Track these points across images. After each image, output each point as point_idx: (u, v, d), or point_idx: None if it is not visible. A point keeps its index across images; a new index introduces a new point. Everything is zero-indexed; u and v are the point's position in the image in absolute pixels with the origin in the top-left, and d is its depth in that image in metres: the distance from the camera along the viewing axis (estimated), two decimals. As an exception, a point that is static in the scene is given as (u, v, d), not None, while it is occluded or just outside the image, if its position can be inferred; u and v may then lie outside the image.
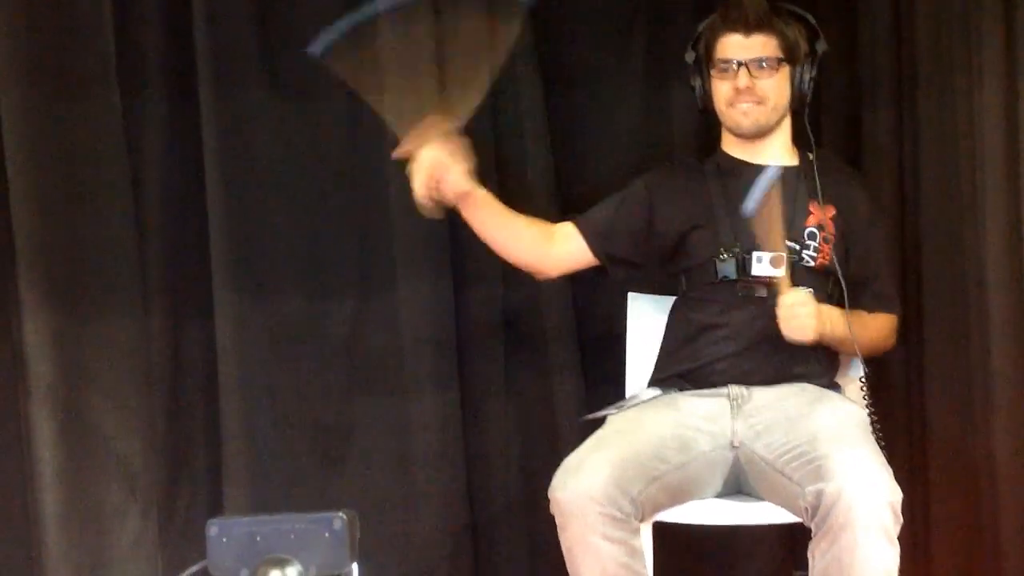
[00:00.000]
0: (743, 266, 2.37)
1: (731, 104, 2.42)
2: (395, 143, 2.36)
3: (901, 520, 2.03)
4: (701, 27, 2.49)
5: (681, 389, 2.39)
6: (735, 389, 2.33)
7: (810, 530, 2.07)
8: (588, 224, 2.50)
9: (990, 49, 2.36)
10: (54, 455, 2.47)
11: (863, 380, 2.37)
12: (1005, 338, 2.39)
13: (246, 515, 1.59)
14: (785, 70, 2.41)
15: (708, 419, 2.31)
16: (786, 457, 2.18)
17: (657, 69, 2.82)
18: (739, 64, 2.38)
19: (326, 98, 2.68)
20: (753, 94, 2.39)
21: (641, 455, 2.19)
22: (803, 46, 2.43)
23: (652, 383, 2.46)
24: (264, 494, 2.62)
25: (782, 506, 2.21)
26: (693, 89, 2.50)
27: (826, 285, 2.39)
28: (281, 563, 1.51)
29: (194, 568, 1.52)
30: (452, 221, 2.64)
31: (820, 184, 2.39)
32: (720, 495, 2.31)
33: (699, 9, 2.72)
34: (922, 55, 2.57)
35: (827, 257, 2.38)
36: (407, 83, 2.45)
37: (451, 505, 2.71)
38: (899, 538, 2.03)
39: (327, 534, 1.54)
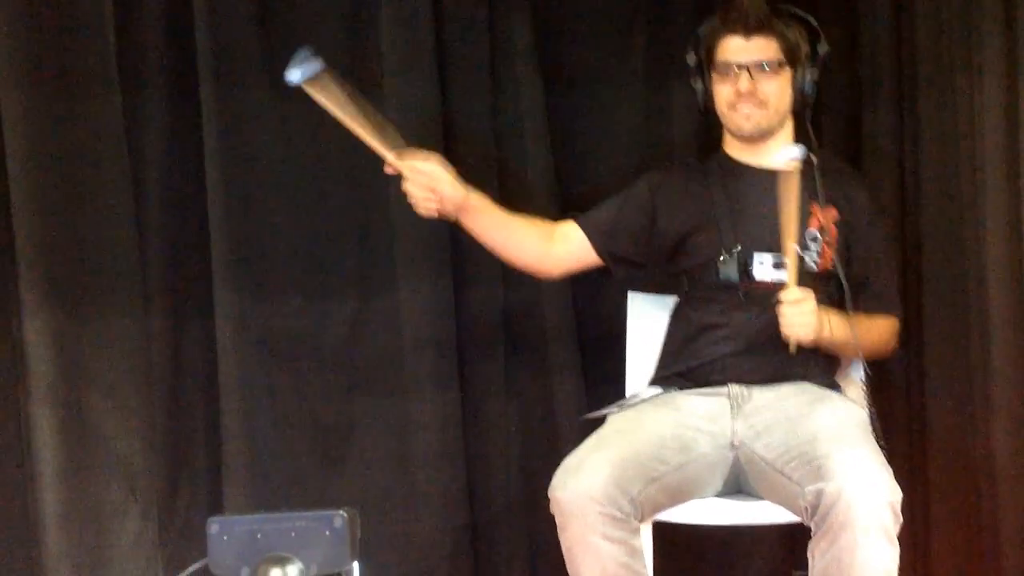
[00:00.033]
0: (744, 268, 2.37)
1: (732, 107, 2.42)
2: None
3: (901, 520, 2.04)
4: (701, 29, 2.49)
5: (681, 388, 2.39)
6: (735, 389, 2.33)
7: (810, 530, 2.07)
8: (591, 223, 2.50)
9: (990, 49, 2.36)
10: (54, 455, 2.47)
11: (864, 381, 2.37)
12: (1005, 338, 2.38)
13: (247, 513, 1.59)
14: (786, 72, 2.41)
15: (708, 419, 2.31)
16: (786, 457, 2.18)
17: (657, 69, 2.82)
18: (740, 67, 2.38)
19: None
20: (754, 97, 2.39)
21: (641, 455, 2.19)
22: (804, 48, 2.43)
23: (653, 382, 2.47)
24: (264, 494, 2.63)
25: (782, 506, 2.21)
26: (695, 91, 2.50)
27: (828, 288, 2.39)
28: (282, 561, 1.51)
29: (195, 566, 1.52)
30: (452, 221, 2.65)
31: (822, 186, 2.39)
32: (720, 495, 2.32)
33: (699, 9, 2.72)
34: (922, 55, 2.57)
35: (829, 260, 2.38)
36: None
37: (451, 505, 2.71)
38: (899, 538, 2.03)
39: (328, 532, 1.55)
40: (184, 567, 1.65)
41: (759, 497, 2.29)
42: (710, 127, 2.57)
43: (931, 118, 2.57)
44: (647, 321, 2.62)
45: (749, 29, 2.38)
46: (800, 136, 2.48)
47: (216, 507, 2.65)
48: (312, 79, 2.23)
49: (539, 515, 2.60)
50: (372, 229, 2.72)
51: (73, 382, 2.51)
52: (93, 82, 2.51)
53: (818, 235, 2.38)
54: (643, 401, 2.40)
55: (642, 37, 2.83)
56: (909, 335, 2.56)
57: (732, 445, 2.29)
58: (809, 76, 2.44)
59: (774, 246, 2.33)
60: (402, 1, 2.64)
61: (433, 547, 2.70)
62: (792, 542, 2.66)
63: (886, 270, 2.48)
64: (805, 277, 2.35)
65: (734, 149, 2.50)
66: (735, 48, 2.39)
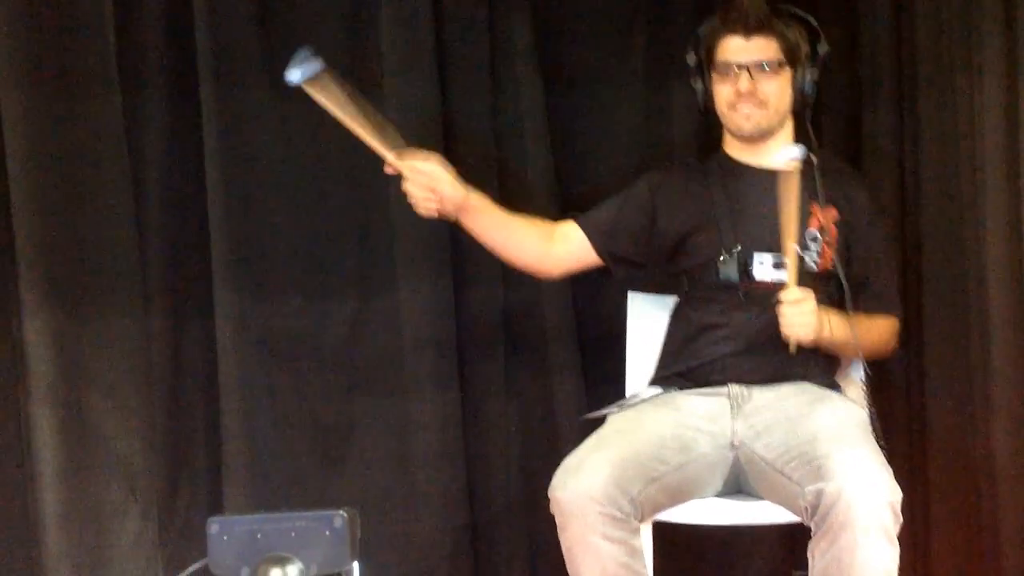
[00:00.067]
0: (744, 268, 2.37)
1: (732, 107, 2.41)
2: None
3: (901, 520, 2.04)
4: (701, 29, 2.49)
5: (681, 388, 2.39)
6: (735, 388, 2.33)
7: (810, 530, 2.07)
8: (591, 223, 2.50)
9: (990, 49, 2.36)
10: (54, 455, 2.47)
11: (864, 381, 2.37)
12: (1005, 338, 2.38)
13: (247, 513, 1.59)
14: (786, 72, 2.41)
15: (708, 419, 2.31)
16: (786, 457, 2.18)
17: (657, 69, 2.82)
18: (740, 67, 2.38)
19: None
20: (754, 97, 2.39)
21: (641, 455, 2.19)
22: (804, 48, 2.43)
23: (653, 382, 2.47)
24: (264, 494, 2.62)
25: (782, 506, 2.21)
26: (695, 91, 2.50)
27: (828, 288, 2.39)
28: (282, 561, 1.51)
29: (195, 566, 1.52)
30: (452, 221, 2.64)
31: (822, 186, 2.39)
32: (720, 495, 2.32)
33: (699, 9, 2.72)
34: (922, 55, 2.57)
35: (829, 261, 2.38)
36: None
37: (451, 505, 2.71)
38: (899, 538, 2.03)
39: (328, 532, 1.55)
40: (184, 567, 1.65)
41: (759, 497, 2.29)
42: (710, 127, 2.57)
43: (931, 118, 2.57)
44: (647, 321, 2.62)
45: (749, 29, 2.38)
46: (800, 136, 2.48)
47: (216, 507, 2.65)
48: (312, 79, 2.22)
49: (539, 515, 2.60)
50: (372, 229, 2.72)
51: (73, 382, 2.51)
52: (93, 82, 2.51)
53: (818, 235, 2.38)
54: (643, 401, 2.40)
55: (642, 37, 2.83)
56: (909, 335, 2.56)
57: (732, 445, 2.29)
58: (809, 76, 2.43)
59: (774, 246, 2.33)
60: (402, 1, 2.64)
61: (433, 547, 2.70)
62: (792, 542, 2.66)
63: (886, 270, 2.48)
64: (805, 277, 2.35)
65: (734, 149, 2.50)
66: (735, 48, 2.39)
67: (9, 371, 2.51)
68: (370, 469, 2.72)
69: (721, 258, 2.39)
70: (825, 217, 2.39)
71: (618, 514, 2.09)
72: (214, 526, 1.54)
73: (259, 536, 1.54)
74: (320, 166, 2.71)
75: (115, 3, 2.53)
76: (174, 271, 2.65)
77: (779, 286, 2.30)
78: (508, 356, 2.79)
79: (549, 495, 2.14)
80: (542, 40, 2.76)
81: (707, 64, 2.46)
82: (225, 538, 1.53)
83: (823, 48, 2.45)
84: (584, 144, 2.82)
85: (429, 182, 2.33)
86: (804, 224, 2.36)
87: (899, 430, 2.62)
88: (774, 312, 2.27)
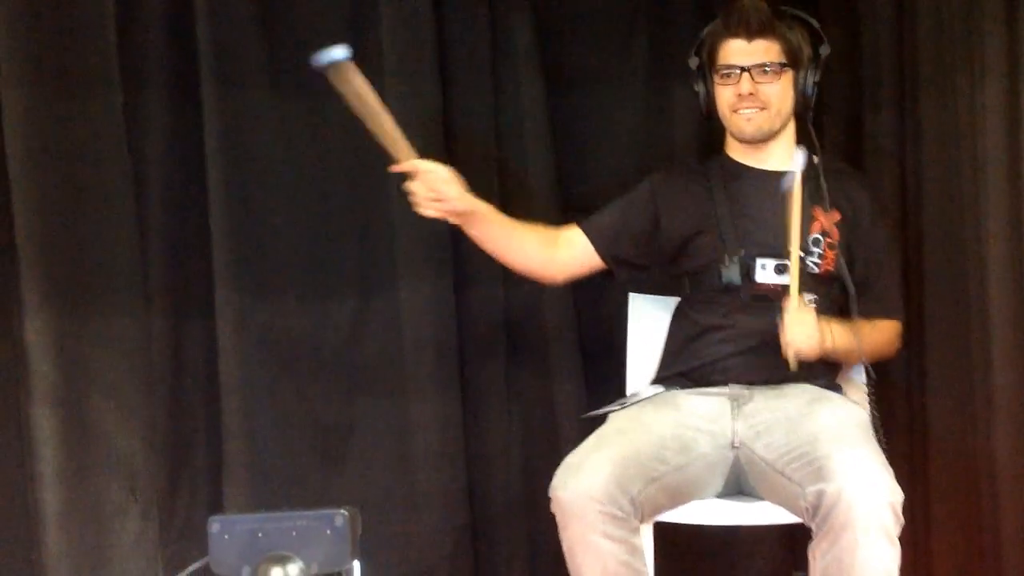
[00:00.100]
0: (747, 272, 2.37)
1: (734, 110, 2.41)
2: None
3: (902, 520, 2.03)
4: (704, 32, 2.49)
5: (682, 387, 2.39)
6: (736, 389, 2.34)
7: (810, 530, 2.07)
8: (594, 227, 2.51)
9: (991, 50, 2.36)
10: (55, 454, 2.47)
11: (869, 386, 2.36)
12: (1006, 339, 2.39)
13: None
14: (788, 75, 2.40)
15: (709, 419, 2.31)
16: (787, 457, 2.18)
17: (658, 71, 2.82)
18: (742, 70, 2.38)
19: (327, 98, 2.66)
20: (756, 100, 2.39)
21: (641, 455, 2.19)
22: (806, 50, 2.43)
23: (654, 382, 2.46)
24: (264, 494, 2.62)
25: (782, 506, 2.21)
26: (697, 94, 2.50)
27: (831, 291, 2.39)
28: (283, 560, 1.51)
29: (196, 565, 1.52)
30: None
31: (825, 189, 2.39)
32: (720, 495, 2.32)
33: (700, 9, 2.73)
34: (923, 56, 2.57)
35: (832, 263, 2.38)
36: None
37: (451, 505, 2.71)
38: (900, 538, 2.03)
39: (329, 531, 1.55)
40: (184, 567, 1.64)
41: (760, 498, 2.29)
42: (712, 131, 2.57)
43: (932, 118, 2.57)
44: (648, 322, 2.63)
45: (751, 31, 2.38)
46: (802, 138, 2.48)
47: (216, 507, 2.64)
48: (338, 67, 2.21)
49: (539, 515, 2.60)
50: (373, 229, 2.72)
51: (74, 382, 2.50)
52: (94, 82, 2.51)
53: (820, 238, 2.38)
54: (644, 399, 2.40)
55: (643, 39, 2.84)
56: (910, 335, 2.55)
57: (732, 445, 2.29)
58: (811, 78, 2.43)
59: (776, 250, 2.34)
60: (402, 1, 2.64)
61: (433, 547, 2.70)
62: (792, 542, 2.67)
63: (888, 272, 2.48)
64: (807, 279, 2.35)
65: (736, 152, 2.50)
66: (737, 50, 2.39)
67: (10, 371, 2.51)
68: (370, 469, 2.73)
69: (724, 262, 2.38)
70: (828, 220, 2.39)
71: (619, 513, 2.09)
72: (215, 525, 1.54)
73: (260, 535, 1.54)
74: (321, 166, 2.71)
75: (116, 3, 2.53)
76: (175, 271, 2.65)
77: (781, 289, 2.30)
78: (509, 356, 2.80)
79: (550, 494, 2.14)
80: (543, 40, 2.77)
81: (709, 67, 2.46)
82: (226, 537, 1.54)
83: (825, 50, 2.45)
84: (585, 144, 2.83)
85: (436, 183, 2.33)
86: (807, 228, 2.36)
87: (900, 430, 2.62)
88: (777, 315, 2.28)
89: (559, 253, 2.51)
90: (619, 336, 2.67)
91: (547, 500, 2.16)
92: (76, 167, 2.51)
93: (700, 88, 2.49)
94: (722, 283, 2.39)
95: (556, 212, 2.74)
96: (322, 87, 2.66)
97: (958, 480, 2.52)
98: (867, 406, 2.34)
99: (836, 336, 2.30)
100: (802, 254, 2.35)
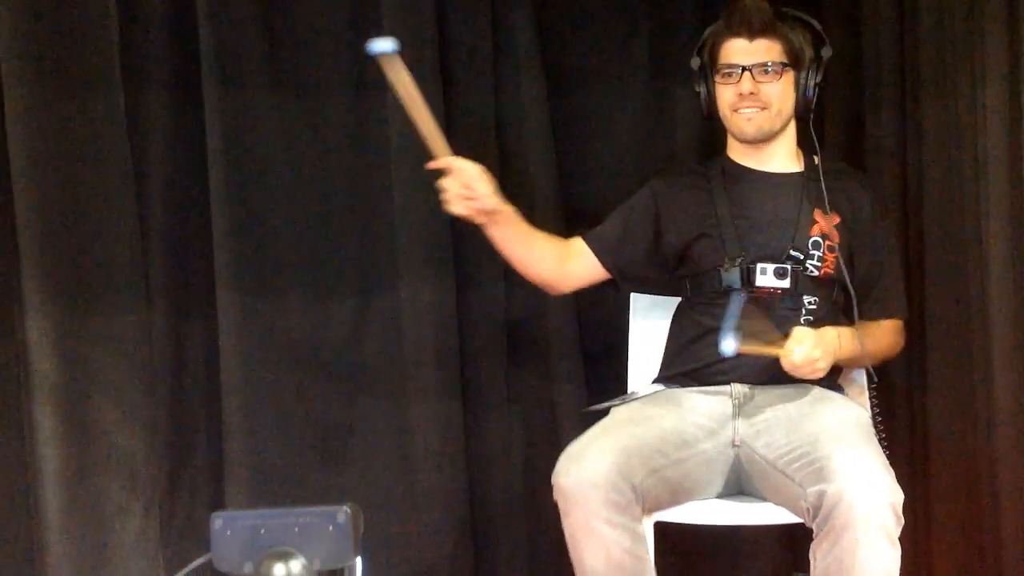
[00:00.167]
0: (747, 276, 2.37)
1: (735, 109, 2.41)
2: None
3: (902, 521, 2.03)
4: (705, 33, 2.49)
5: (684, 386, 2.39)
6: (738, 388, 2.33)
7: (811, 531, 2.07)
8: (598, 240, 2.51)
9: (992, 50, 2.37)
10: (56, 453, 2.47)
11: (870, 387, 2.36)
12: (1006, 339, 2.39)
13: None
14: (789, 75, 2.40)
15: (710, 417, 2.31)
16: (788, 457, 2.18)
17: (659, 71, 2.83)
18: (743, 69, 2.38)
19: (330, 98, 2.68)
20: (757, 99, 2.39)
21: (643, 446, 2.19)
22: (808, 51, 2.42)
23: (656, 382, 2.46)
24: (265, 493, 2.62)
25: (783, 506, 2.21)
26: (698, 95, 2.50)
27: (832, 294, 2.39)
28: (285, 556, 1.51)
29: (198, 561, 1.52)
30: (454, 224, 2.64)
31: (826, 192, 2.39)
32: (721, 495, 2.32)
33: (701, 10, 2.73)
34: (925, 57, 2.58)
35: (831, 266, 2.38)
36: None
37: (451, 505, 2.71)
38: (900, 539, 2.03)
39: (331, 527, 1.55)
40: (185, 566, 1.64)
41: (760, 498, 2.29)
42: (713, 133, 2.57)
43: (933, 119, 2.57)
44: (650, 322, 2.63)
45: (753, 31, 2.38)
46: (803, 139, 2.48)
47: (217, 506, 2.64)
48: (384, 58, 2.22)
49: (539, 515, 2.61)
50: (374, 229, 2.72)
51: (75, 381, 2.50)
52: (96, 81, 2.51)
53: (820, 240, 2.38)
54: (646, 396, 2.40)
55: (645, 41, 2.84)
56: (911, 336, 2.56)
57: (733, 444, 2.29)
58: (812, 79, 2.43)
59: (777, 254, 2.34)
60: (404, 0, 2.64)
61: (433, 547, 2.70)
62: (793, 543, 2.67)
63: (890, 271, 2.48)
64: (808, 282, 2.35)
65: (737, 154, 2.49)
66: (738, 50, 2.39)
67: (11, 370, 2.51)
68: (371, 469, 2.72)
69: (724, 266, 2.39)
70: (828, 222, 2.39)
71: (621, 500, 2.09)
72: (218, 521, 1.54)
73: (262, 531, 1.54)
74: (322, 166, 2.71)
75: (118, 2, 2.53)
76: (176, 270, 2.65)
77: (781, 293, 2.32)
78: (510, 356, 2.80)
79: (552, 482, 2.14)
80: (544, 40, 2.77)
81: (710, 67, 2.46)
82: (228, 533, 1.54)
83: (826, 52, 2.45)
84: (585, 144, 2.83)
85: (469, 181, 2.34)
86: (806, 230, 2.37)
87: (901, 431, 2.63)
88: (776, 314, 2.28)
89: (569, 267, 2.52)
90: (620, 336, 2.67)
91: (548, 500, 2.15)
92: (77, 167, 2.51)
93: (701, 89, 2.49)
94: (722, 286, 2.39)
95: (557, 212, 2.74)
96: (325, 86, 2.68)
97: (958, 480, 2.53)
98: (868, 406, 2.34)
99: (842, 347, 2.30)
100: (800, 255, 2.36)
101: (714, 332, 2.38)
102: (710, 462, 2.28)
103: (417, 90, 2.25)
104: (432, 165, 2.34)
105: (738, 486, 2.32)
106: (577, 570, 2.15)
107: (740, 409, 2.31)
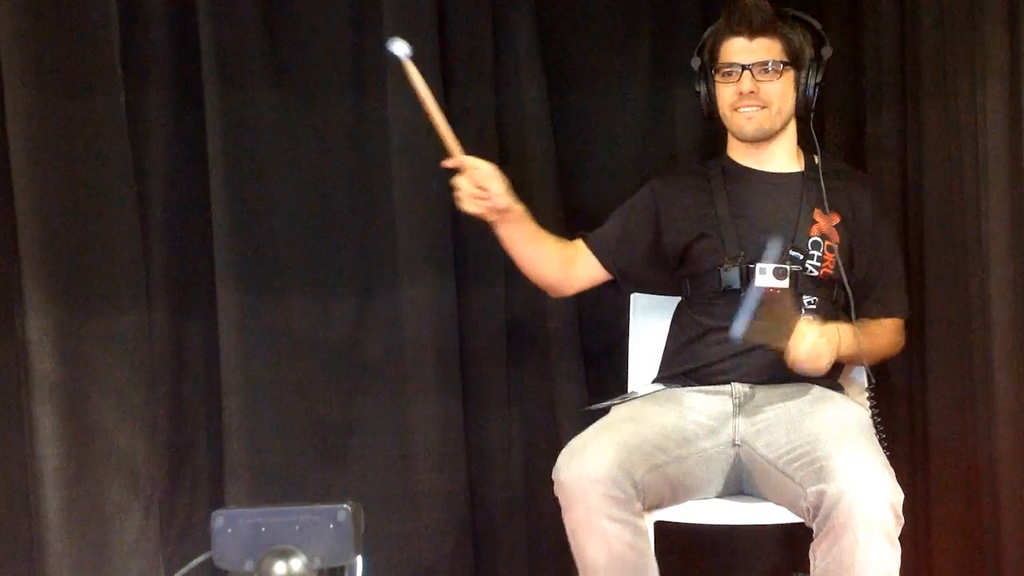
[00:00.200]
0: (747, 277, 2.37)
1: (735, 108, 2.41)
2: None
3: (903, 521, 2.04)
4: (706, 33, 2.49)
5: (684, 386, 2.40)
6: (738, 387, 2.34)
7: (811, 530, 2.07)
8: (598, 241, 2.52)
9: (993, 50, 2.37)
10: (56, 452, 2.46)
11: (870, 387, 2.37)
12: (1007, 340, 2.39)
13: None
14: (790, 74, 2.40)
15: (710, 415, 2.31)
16: (788, 457, 2.18)
17: (660, 71, 2.83)
18: (743, 68, 2.38)
19: (330, 97, 2.68)
20: (756, 98, 2.39)
21: (644, 442, 2.19)
22: (808, 51, 2.43)
23: (655, 382, 2.47)
24: (266, 492, 2.62)
25: (783, 506, 2.21)
26: (698, 94, 2.50)
27: (832, 294, 2.39)
28: (286, 554, 1.51)
29: (199, 559, 1.52)
30: (455, 223, 2.64)
31: (826, 192, 2.40)
32: (721, 495, 2.32)
33: (702, 10, 2.73)
34: (926, 57, 2.58)
35: (831, 266, 2.38)
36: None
37: (451, 505, 2.71)
38: (900, 539, 2.03)
39: (332, 526, 1.54)
40: (185, 565, 1.64)
41: (760, 497, 2.29)
42: (714, 133, 2.57)
43: (934, 119, 2.57)
44: (650, 321, 2.63)
45: (753, 30, 2.38)
46: (803, 139, 2.48)
47: (217, 505, 2.59)
48: (399, 62, 2.23)
49: (539, 515, 2.61)
50: (374, 229, 2.72)
51: (76, 380, 2.50)
52: (97, 81, 2.51)
53: (820, 240, 2.38)
54: (646, 395, 2.40)
55: (647, 41, 2.84)
56: (911, 336, 2.56)
57: (733, 443, 2.29)
58: (812, 79, 2.43)
59: (776, 255, 2.34)
60: (404, 0, 2.64)
61: (433, 546, 2.70)
62: (792, 542, 2.67)
63: (891, 270, 2.48)
64: (807, 282, 2.36)
65: (738, 153, 2.49)
66: (738, 48, 2.40)
67: (11, 369, 2.50)
68: (371, 468, 2.72)
69: (724, 266, 2.39)
70: (827, 222, 2.39)
71: (622, 495, 2.09)
72: (219, 519, 1.54)
73: (263, 529, 1.53)
74: (323, 166, 2.71)
75: (119, 2, 2.53)
76: (176, 270, 2.65)
77: (781, 293, 2.32)
78: (510, 355, 2.80)
79: (552, 477, 2.14)
80: (544, 40, 2.77)
81: (711, 67, 2.46)
82: (229, 531, 1.53)
83: (827, 52, 2.45)
84: (586, 145, 2.83)
85: (483, 180, 2.34)
86: (806, 230, 2.37)
87: (901, 431, 2.63)
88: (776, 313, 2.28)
89: (572, 270, 2.52)
90: (620, 336, 2.67)
91: (548, 500, 2.16)
92: (78, 166, 2.51)
93: (701, 88, 2.49)
94: (722, 287, 2.39)
95: (557, 212, 2.74)
96: (326, 86, 2.68)
97: (958, 480, 2.53)
98: (867, 406, 2.34)
99: (843, 343, 2.30)
100: (800, 255, 2.36)
101: (714, 332, 2.39)
102: (710, 461, 2.28)
103: (428, 92, 2.28)
104: (446, 164, 2.34)
105: (738, 485, 2.32)
106: (579, 565, 2.15)
107: (740, 408, 2.32)
